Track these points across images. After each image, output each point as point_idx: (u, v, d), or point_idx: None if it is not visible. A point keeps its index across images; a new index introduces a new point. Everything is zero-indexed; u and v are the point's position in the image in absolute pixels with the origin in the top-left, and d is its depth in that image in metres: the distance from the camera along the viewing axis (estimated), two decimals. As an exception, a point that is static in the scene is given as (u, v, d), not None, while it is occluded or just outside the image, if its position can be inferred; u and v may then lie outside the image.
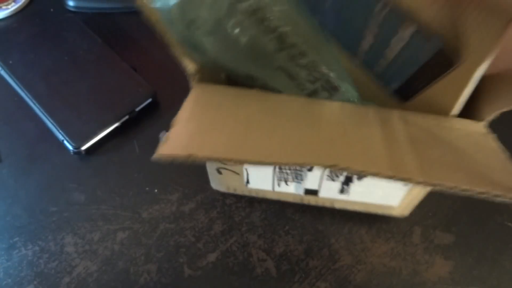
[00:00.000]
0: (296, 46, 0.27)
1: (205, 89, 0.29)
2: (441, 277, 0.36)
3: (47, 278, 0.35)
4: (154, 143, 0.43)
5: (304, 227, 0.38)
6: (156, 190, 0.40)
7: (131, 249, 0.37)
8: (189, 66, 0.30)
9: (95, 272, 0.35)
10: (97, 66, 0.47)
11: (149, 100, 0.44)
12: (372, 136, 0.25)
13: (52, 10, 0.54)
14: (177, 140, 0.24)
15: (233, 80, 0.31)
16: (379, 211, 0.37)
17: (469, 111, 0.28)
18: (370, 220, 0.38)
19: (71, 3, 0.54)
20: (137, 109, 0.44)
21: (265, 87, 0.30)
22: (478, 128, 0.26)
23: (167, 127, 0.26)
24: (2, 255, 0.36)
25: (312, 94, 0.30)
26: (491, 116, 0.27)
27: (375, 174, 0.22)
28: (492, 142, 0.25)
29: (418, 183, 0.22)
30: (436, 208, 0.39)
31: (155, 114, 0.45)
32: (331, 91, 0.30)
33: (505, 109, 0.25)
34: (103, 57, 0.48)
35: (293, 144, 0.24)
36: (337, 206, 0.38)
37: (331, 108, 0.27)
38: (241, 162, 0.23)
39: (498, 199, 0.21)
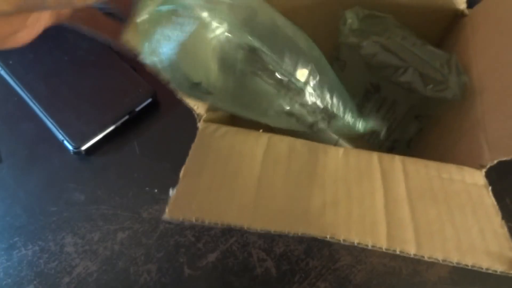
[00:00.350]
0: (294, 87, 0.28)
1: (213, 133, 0.29)
2: (441, 277, 0.36)
3: (47, 278, 0.35)
4: (154, 143, 0.43)
5: (304, 227, 0.38)
6: (156, 190, 0.40)
7: (131, 249, 0.37)
8: (197, 108, 0.30)
9: (95, 272, 0.35)
10: (97, 66, 0.47)
11: (149, 100, 0.44)
12: (373, 196, 0.26)
13: (52, 10, 0.54)
14: (185, 200, 0.26)
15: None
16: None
17: (471, 156, 0.29)
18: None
19: (71, 3, 0.54)
20: (137, 109, 0.44)
21: (268, 126, 0.31)
22: (476, 179, 0.27)
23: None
24: (2, 255, 0.36)
25: (313, 125, 0.31)
26: (492, 163, 0.27)
27: (372, 246, 0.23)
28: (488, 198, 0.26)
29: (411, 255, 0.23)
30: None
31: (155, 114, 0.45)
32: (329, 119, 0.31)
33: (504, 158, 0.26)
34: (103, 57, 0.48)
35: (296, 209, 0.25)
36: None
37: (335, 159, 0.27)
38: (248, 229, 0.24)
39: (488, 271, 0.22)
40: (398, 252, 0.23)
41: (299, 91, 0.28)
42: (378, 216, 0.25)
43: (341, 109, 0.31)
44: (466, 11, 0.35)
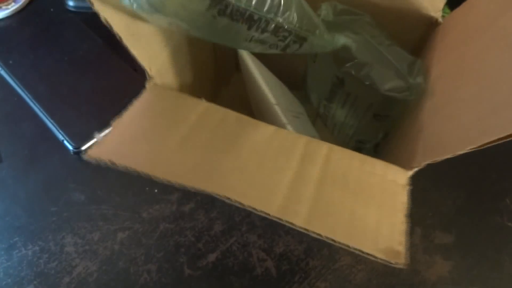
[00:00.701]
0: (262, 19, 0.28)
1: (157, 94, 0.30)
2: (441, 277, 0.36)
3: (47, 278, 0.35)
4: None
5: (304, 227, 0.38)
6: (156, 190, 0.40)
7: (131, 249, 0.37)
8: (150, 70, 0.30)
9: (95, 272, 0.35)
10: (97, 66, 0.47)
11: (149, 100, 0.45)
12: (283, 172, 0.26)
13: (52, 10, 0.54)
14: (108, 144, 0.27)
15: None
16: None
17: (409, 159, 0.28)
18: (370, 220, 0.38)
19: (71, 3, 0.54)
20: (137, 109, 0.44)
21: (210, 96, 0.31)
22: (399, 177, 0.27)
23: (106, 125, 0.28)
24: (2, 255, 0.36)
25: (285, 48, 0.31)
26: (420, 166, 0.27)
27: (264, 214, 0.24)
28: (401, 197, 0.26)
29: (300, 228, 0.23)
30: (436, 208, 0.39)
31: (155, 114, 0.45)
32: (300, 41, 0.31)
33: (429, 161, 0.26)
34: (103, 57, 0.48)
35: (205, 168, 0.26)
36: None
37: (262, 134, 0.28)
38: (152, 177, 0.25)
39: (371, 258, 0.23)
40: (284, 222, 0.23)
41: (268, 21, 0.28)
42: (280, 189, 0.25)
43: (311, 30, 0.31)
44: (440, 20, 0.35)
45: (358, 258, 0.36)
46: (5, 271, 0.35)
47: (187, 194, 0.40)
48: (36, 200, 0.39)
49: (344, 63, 0.33)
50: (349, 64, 0.33)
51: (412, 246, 0.37)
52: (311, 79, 0.42)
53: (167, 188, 0.40)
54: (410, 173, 0.27)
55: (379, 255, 0.23)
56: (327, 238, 0.23)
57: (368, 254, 0.23)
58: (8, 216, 0.38)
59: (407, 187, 0.26)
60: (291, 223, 0.23)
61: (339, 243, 0.23)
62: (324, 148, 0.27)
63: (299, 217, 0.24)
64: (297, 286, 0.35)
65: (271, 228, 0.38)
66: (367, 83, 0.32)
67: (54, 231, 0.37)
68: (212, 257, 0.36)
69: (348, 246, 0.23)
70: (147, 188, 0.40)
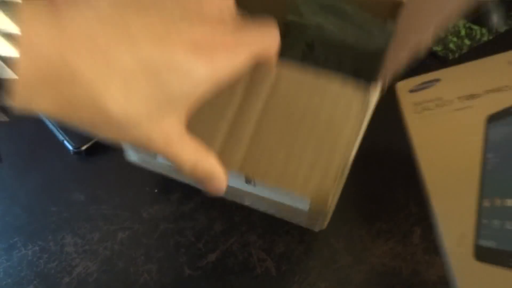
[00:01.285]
0: None
1: None
2: (441, 277, 0.36)
3: (47, 278, 0.35)
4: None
5: (304, 227, 0.38)
6: (156, 190, 0.40)
7: (131, 249, 0.37)
8: None
9: (95, 272, 0.35)
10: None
11: (149, 100, 0.44)
12: (223, 112, 0.24)
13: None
14: None
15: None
16: (294, 219, 0.35)
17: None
18: (370, 220, 0.38)
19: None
20: (137, 109, 0.44)
21: None
22: (353, 103, 0.24)
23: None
24: (2, 255, 0.36)
25: None
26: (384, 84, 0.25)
27: None
28: (347, 131, 0.23)
29: (235, 172, 0.23)
30: (436, 208, 0.39)
31: (155, 114, 0.45)
32: None
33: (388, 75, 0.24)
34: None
35: None
36: (247, 202, 0.36)
37: None
38: None
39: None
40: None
41: None
42: (218, 135, 0.24)
43: None
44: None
45: (358, 258, 0.36)
46: (5, 271, 0.35)
47: (187, 194, 0.40)
48: (36, 200, 0.39)
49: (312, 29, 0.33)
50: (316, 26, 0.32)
51: (412, 246, 0.37)
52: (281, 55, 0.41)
53: (167, 188, 0.40)
54: (368, 96, 0.24)
55: (304, 196, 0.22)
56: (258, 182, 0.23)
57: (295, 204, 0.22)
58: (8, 216, 0.38)
59: (361, 115, 0.23)
60: (231, 169, 0.23)
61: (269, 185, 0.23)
62: (272, 75, 0.25)
63: (234, 163, 0.23)
64: (297, 286, 0.35)
65: (271, 228, 0.38)
66: (336, 39, 0.32)
67: (54, 231, 0.37)
68: (212, 257, 0.36)
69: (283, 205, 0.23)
70: (147, 188, 0.40)
